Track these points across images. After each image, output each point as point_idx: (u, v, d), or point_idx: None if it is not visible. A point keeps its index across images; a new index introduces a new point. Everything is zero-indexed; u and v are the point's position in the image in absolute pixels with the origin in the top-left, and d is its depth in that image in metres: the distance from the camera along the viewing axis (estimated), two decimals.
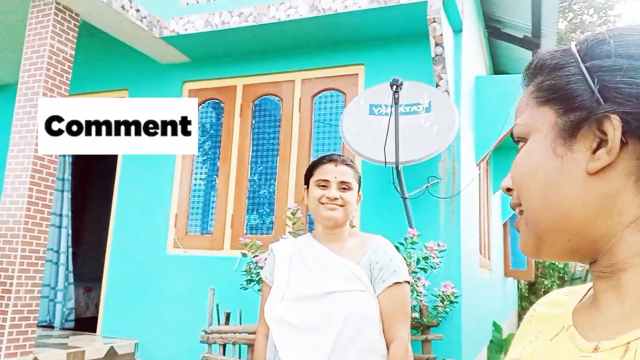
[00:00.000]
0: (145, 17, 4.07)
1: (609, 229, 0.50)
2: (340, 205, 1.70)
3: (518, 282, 12.43)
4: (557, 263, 14.60)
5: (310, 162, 1.84)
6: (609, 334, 0.50)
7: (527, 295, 14.16)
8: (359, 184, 1.81)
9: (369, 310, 1.60)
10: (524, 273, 8.76)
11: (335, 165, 1.74)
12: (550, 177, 0.53)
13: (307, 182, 1.80)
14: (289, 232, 3.22)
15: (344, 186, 1.72)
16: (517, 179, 0.56)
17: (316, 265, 1.69)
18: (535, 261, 11.47)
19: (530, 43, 5.55)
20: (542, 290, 14.07)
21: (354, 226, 1.85)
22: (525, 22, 5.27)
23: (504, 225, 8.24)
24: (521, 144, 0.58)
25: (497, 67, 6.93)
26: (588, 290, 0.63)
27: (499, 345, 5.26)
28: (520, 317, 12.65)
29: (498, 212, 7.43)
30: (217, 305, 3.47)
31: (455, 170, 3.61)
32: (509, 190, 0.58)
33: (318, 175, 1.75)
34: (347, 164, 1.76)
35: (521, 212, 0.57)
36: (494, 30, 5.83)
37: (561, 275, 14.49)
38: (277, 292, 1.70)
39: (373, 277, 1.65)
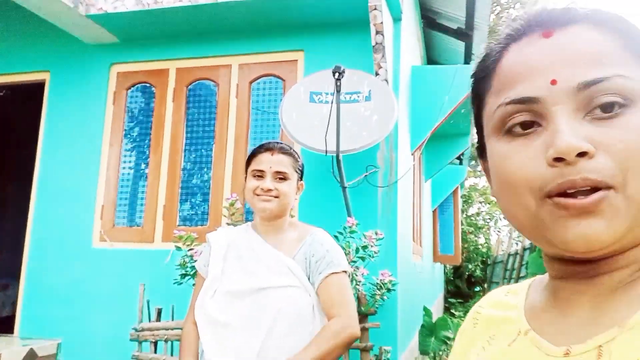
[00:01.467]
0: None
1: None
2: (275, 197, 1.65)
3: (444, 266, 12.97)
4: (480, 247, 15.37)
5: (250, 151, 1.77)
6: (577, 337, 0.48)
7: (452, 279, 14.83)
8: (301, 173, 1.76)
9: (302, 307, 1.57)
10: (451, 258, 9.14)
11: (272, 155, 1.68)
12: None
13: (246, 171, 1.74)
14: (227, 223, 3.11)
15: (280, 176, 1.67)
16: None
17: (251, 258, 1.65)
18: (461, 246, 12.00)
19: (464, 35, 5.71)
20: (467, 273, 14.79)
21: (293, 216, 1.81)
22: (460, 14, 5.40)
23: (434, 212, 8.53)
24: (618, 108, 0.46)
25: (431, 57, 7.09)
26: (528, 289, 0.61)
27: (429, 329, 5.43)
28: (446, 300, 13.23)
29: (428, 199, 7.66)
30: (148, 302, 3.31)
31: (392, 159, 3.64)
32: (582, 155, 0.45)
33: (254, 164, 1.69)
34: (285, 152, 1.70)
35: (607, 188, 0.45)
36: (429, 21, 5.94)
37: (484, 259, 15.27)
38: (210, 286, 1.64)
39: (310, 271, 1.62)
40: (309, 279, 1.62)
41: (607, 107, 0.45)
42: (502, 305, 0.62)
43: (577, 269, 0.51)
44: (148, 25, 4.09)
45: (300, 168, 1.76)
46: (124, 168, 4.28)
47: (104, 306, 3.92)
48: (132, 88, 4.37)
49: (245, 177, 1.73)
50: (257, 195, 1.65)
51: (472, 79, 0.58)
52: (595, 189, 0.44)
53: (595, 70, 0.46)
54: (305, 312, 1.57)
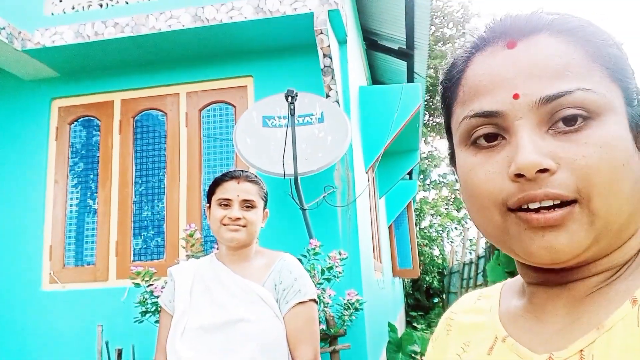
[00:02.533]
0: (4, 29, 3.61)
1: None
2: (243, 226, 1.61)
3: (403, 280, 13.11)
4: (436, 259, 15.67)
5: (213, 179, 1.72)
6: (557, 343, 0.48)
7: (411, 292, 15.00)
8: (265, 201, 1.73)
9: (278, 336, 1.53)
10: (410, 272, 9.25)
11: (238, 183, 1.64)
12: (636, 171, 0.47)
13: (209, 201, 1.69)
14: (187, 255, 3.03)
15: (247, 204, 1.63)
16: (606, 165, 0.44)
17: (220, 290, 1.59)
18: (419, 259, 12.19)
19: (405, 54, 5.89)
20: (425, 285, 15.00)
21: (256, 241, 1.78)
22: (400, 35, 5.58)
23: (390, 227, 8.64)
24: (581, 122, 0.45)
25: (375, 77, 7.26)
26: (501, 293, 0.61)
27: (396, 345, 5.44)
28: (407, 314, 13.34)
29: (384, 215, 7.76)
30: (107, 343, 3.16)
31: (349, 178, 3.67)
32: (543, 171, 0.44)
33: (220, 193, 1.64)
34: (251, 181, 1.67)
35: (570, 202, 0.45)
36: (371, 42, 6.10)
37: (440, 270, 15.56)
38: (178, 323, 1.56)
39: (278, 299, 1.58)
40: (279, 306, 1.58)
41: (570, 121, 0.45)
42: (475, 310, 0.62)
43: (549, 276, 0.51)
44: (89, 58, 3.98)
45: (265, 195, 1.73)
46: (71, 205, 4.10)
47: (60, 351, 3.69)
48: (75, 122, 4.22)
49: (209, 206, 1.68)
50: (225, 225, 1.61)
51: (441, 87, 0.58)
52: (559, 204, 0.44)
53: (558, 84, 0.45)
54: (281, 341, 1.53)
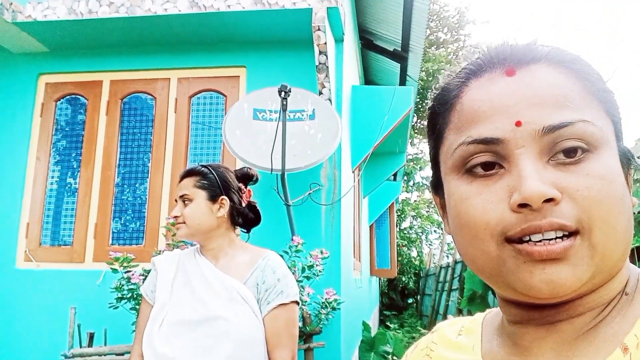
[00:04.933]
0: None
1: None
2: (182, 222, 1.62)
3: (379, 279, 13.19)
4: (413, 260, 15.81)
5: None
6: None
7: (386, 291, 15.12)
8: (213, 188, 1.64)
9: (258, 337, 1.52)
10: (387, 272, 9.31)
11: (179, 182, 1.67)
12: (628, 207, 0.46)
13: None
14: (167, 243, 3.00)
15: (184, 200, 1.64)
16: (607, 198, 0.44)
17: (201, 284, 1.57)
18: (398, 260, 12.28)
19: (400, 57, 5.89)
20: (400, 285, 15.13)
21: (238, 234, 1.75)
22: (396, 36, 5.58)
23: (371, 227, 8.68)
24: (581, 154, 0.45)
25: (368, 77, 7.26)
26: (482, 328, 0.60)
27: (369, 344, 5.48)
28: (381, 313, 13.45)
29: (366, 215, 7.78)
30: (79, 325, 3.12)
31: (335, 177, 3.67)
32: (548, 201, 0.44)
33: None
34: (188, 174, 1.66)
35: (570, 235, 0.44)
36: (366, 42, 6.09)
37: (417, 272, 15.70)
38: (157, 315, 1.55)
39: (259, 298, 1.56)
40: (259, 306, 1.57)
41: (570, 152, 0.45)
42: (457, 347, 0.59)
43: (534, 314, 0.49)
44: (81, 35, 3.90)
45: (212, 183, 1.64)
46: (51, 183, 4.03)
47: (31, 331, 3.64)
48: (61, 100, 4.14)
49: None
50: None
51: (430, 112, 0.55)
52: (561, 235, 0.43)
53: (560, 114, 0.45)
54: (259, 341, 1.52)
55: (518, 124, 0.45)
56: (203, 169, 1.67)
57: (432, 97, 0.55)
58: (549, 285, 0.43)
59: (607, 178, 0.44)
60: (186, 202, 1.63)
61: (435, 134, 0.54)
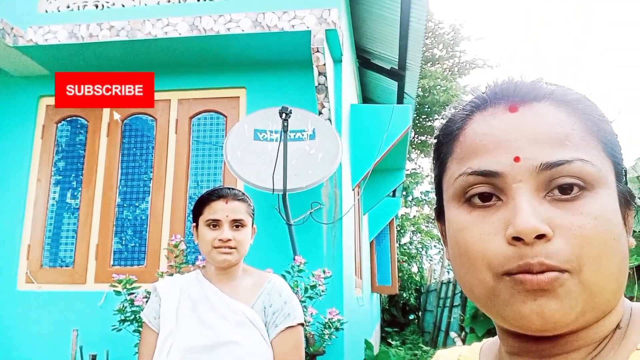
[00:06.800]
0: None
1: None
2: (234, 247, 1.58)
3: (380, 295, 13.12)
4: (414, 276, 15.73)
5: (199, 198, 1.67)
6: None
7: (387, 308, 15.01)
8: (253, 217, 1.70)
9: None
10: (388, 288, 9.27)
11: (226, 202, 1.60)
12: (623, 248, 0.47)
13: (196, 220, 1.65)
14: (170, 265, 3.00)
15: (237, 224, 1.60)
16: (600, 237, 0.45)
17: (208, 310, 1.56)
18: (398, 276, 12.21)
19: (397, 75, 5.96)
20: (402, 302, 15.04)
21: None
22: (393, 55, 5.64)
23: (371, 243, 8.67)
24: (577, 191, 0.46)
25: (366, 95, 7.32)
26: (479, 359, 0.61)
27: None
28: (382, 329, 13.34)
29: (366, 232, 7.78)
30: (81, 347, 3.11)
31: (336, 195, 3.69)
32: (540, 236, 0.45)
33: (208, 214, 1.60)
34: (239, 199, 1.63)
35: (562, 271, 0.45)
36: (364, 61, 6.15)
37: (418, 287, 15.62)
38: (165, 343, 1.53)
39: (267, 322, 1.57)
40: (267, 329, 1.57)
41: (567, 189, 0.46)
42: None
43: (531, 347, 0.50)
44: (81, 58, 3.95)
45: (253, 212, 1.70)
46: (52, 205, 4.04)
47: (33, 354, 3.62)
48: (62, 121, 4.17)
49: (195, 226, 1.66)
50: (216, 247, 1.57)
51: (435, 141, 0.57)
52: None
53: (558, 152, 0.46)
54: None
55: (517, 159, 0.47)
56: (247, 197, 1.69)
57: (438, 127, 0.57)
58: (539, 316, 0.44)
59: (602, 217, 0.45)
60: (239, 227, 1.60)
61: (440, 163, 0.56)
